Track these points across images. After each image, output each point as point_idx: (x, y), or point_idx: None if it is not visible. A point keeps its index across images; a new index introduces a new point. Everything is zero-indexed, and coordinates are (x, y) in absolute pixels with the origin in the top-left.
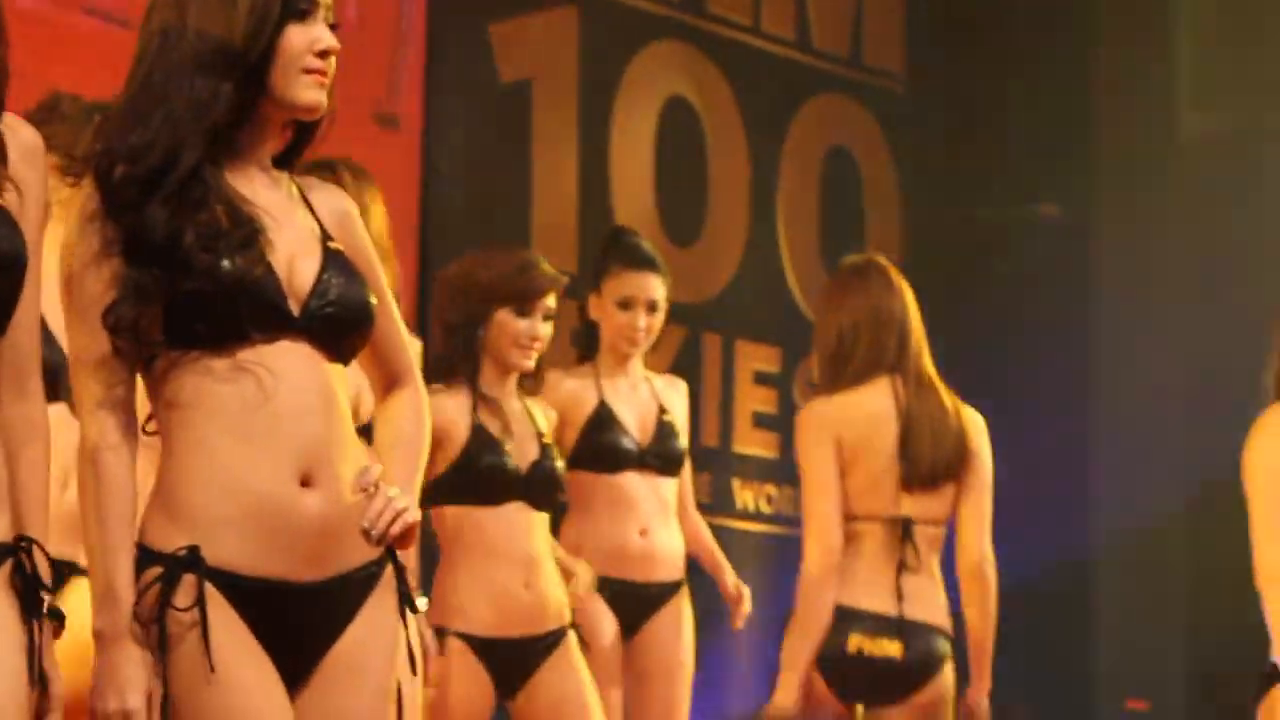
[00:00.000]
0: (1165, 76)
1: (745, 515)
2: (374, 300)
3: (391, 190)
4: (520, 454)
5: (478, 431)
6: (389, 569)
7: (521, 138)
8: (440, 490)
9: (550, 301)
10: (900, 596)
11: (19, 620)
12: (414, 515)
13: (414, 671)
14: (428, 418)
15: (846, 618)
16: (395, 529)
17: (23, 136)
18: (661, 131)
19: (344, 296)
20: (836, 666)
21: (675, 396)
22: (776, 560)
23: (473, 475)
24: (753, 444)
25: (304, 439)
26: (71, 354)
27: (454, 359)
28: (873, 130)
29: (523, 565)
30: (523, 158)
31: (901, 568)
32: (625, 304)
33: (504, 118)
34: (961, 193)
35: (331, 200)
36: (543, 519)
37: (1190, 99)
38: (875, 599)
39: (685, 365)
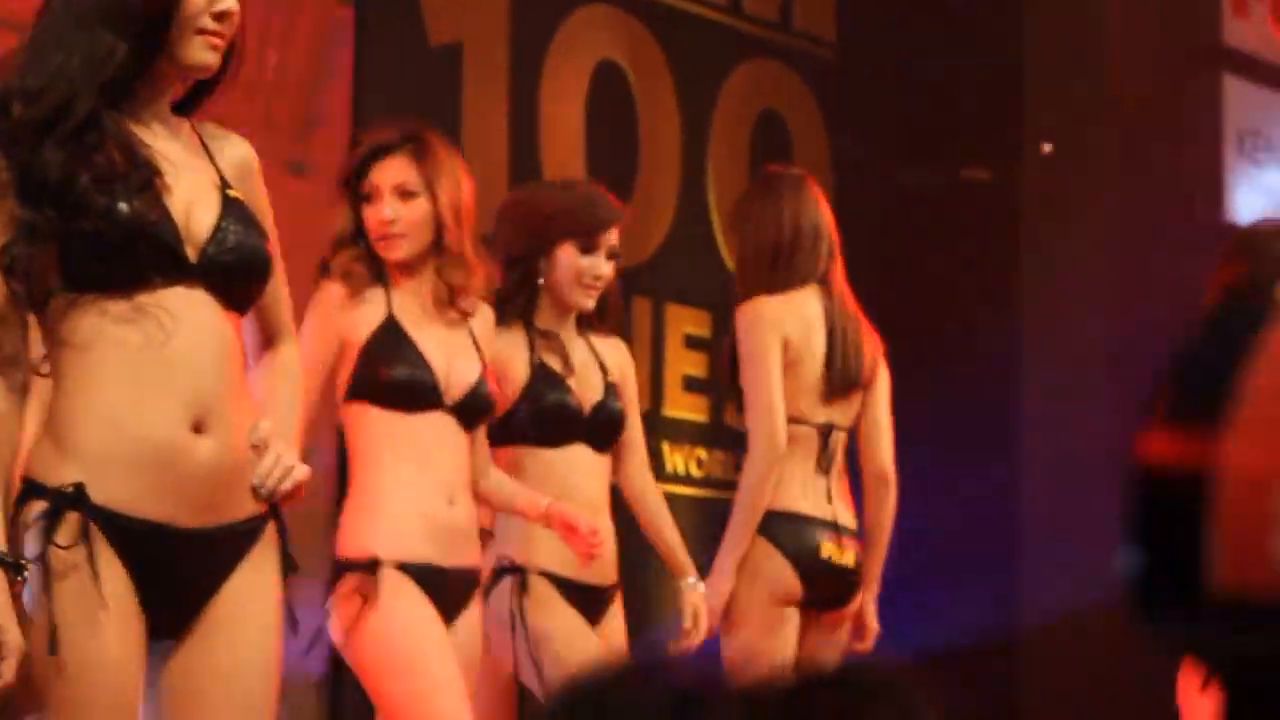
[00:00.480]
0: (1097, 40)
1: (676, 479)
2: (271, 250)
3: (321, 151)
4: (583, 394)
5: (539, 369)
6: (271, 526)
7: (452, 101)
8: (502, 430)
9: (614, 238)
10: (830, 502)
11: None
12: (302, 473)
13: (294, 632)
14: (301, 376)
15: (806, 523)
16: (285, 486)
17: None
18: (592, 96)
19: (242, 245)
20: (810, 571)
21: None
22: (707, 525)
23: (535, 414)
24: (683, 408)
25: (198, 385)
26: None
27: (510, 293)
28: (804, 95)
29: (588, 510)
30: (453, 121)
31: (827, 473)
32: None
33: (434, 81)
34: (892, 157)
35: (233, 150)
36: (604, 462)
37: (1122, 62)
38: (813, 504)
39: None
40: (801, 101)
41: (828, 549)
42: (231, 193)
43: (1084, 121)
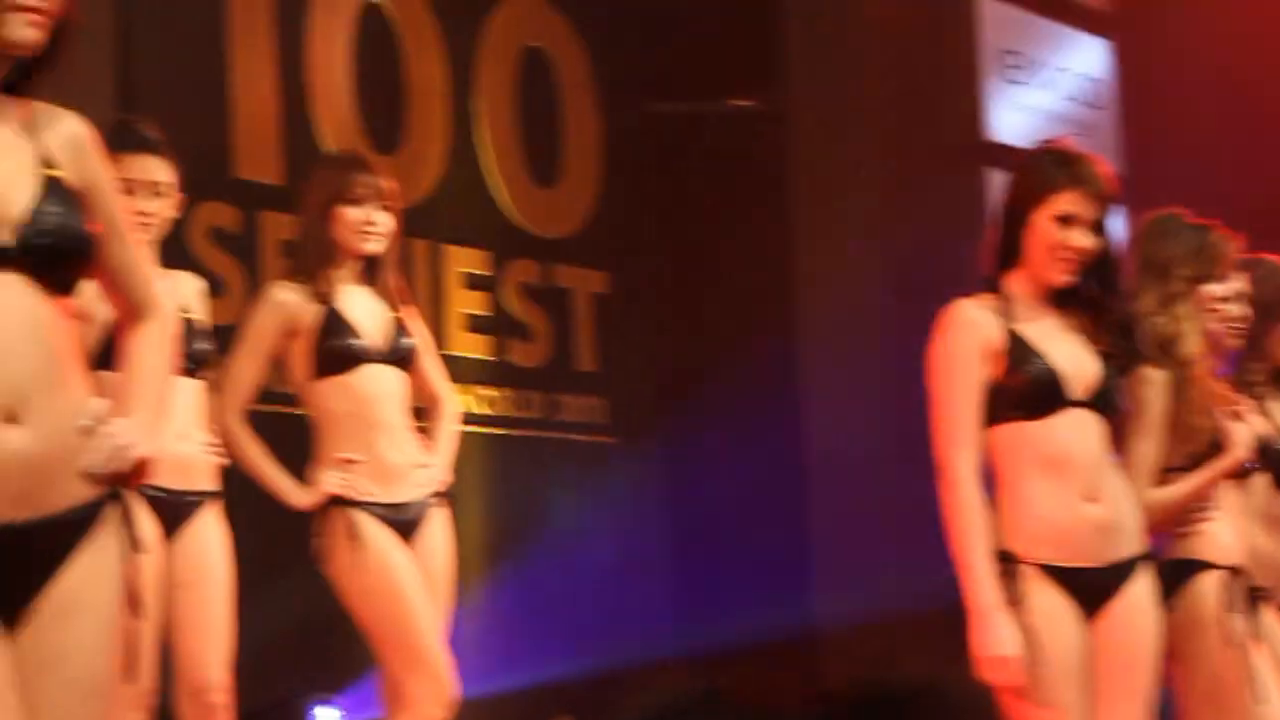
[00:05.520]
0: None
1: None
2: (92, 230)
3: (83, 102)
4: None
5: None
6: (111, 508)
7: (216, 46)
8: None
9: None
10: None
11: None
12: (141, 450)
13: (136, 614)
14: (167, 349)
15: None
16: (122, 467)
17: None
18: (358, 38)
19: (61, 226)
20: None
21: None
22: (495, 461)
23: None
24: (465, 346)
25: (10, 374)
26: None
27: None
28: (566, 29)
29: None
30: (219, 67)
31: None
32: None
33: (198, 24)
34: (656, 88)
35: (63, 126)
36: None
37: None
38: None
39: None
40: (564, 36)
41: None
42: (52, 172)
43: (845, 46)
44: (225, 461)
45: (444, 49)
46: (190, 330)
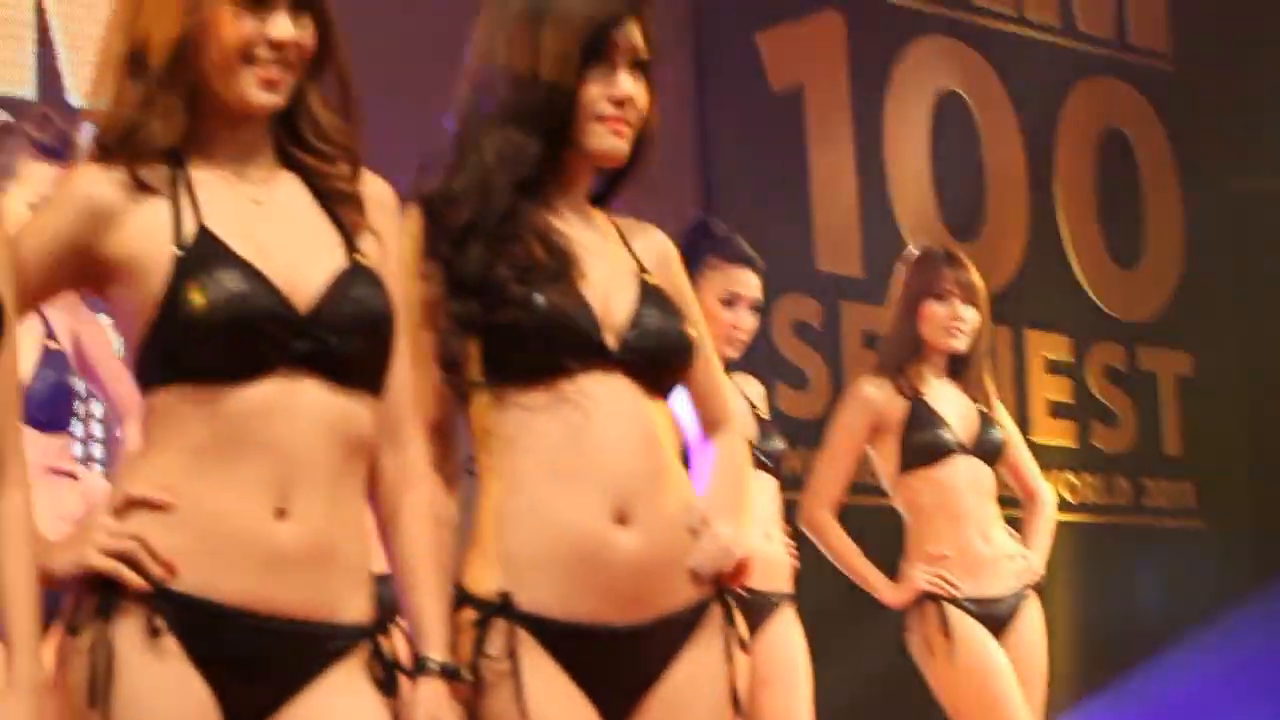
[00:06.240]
0: None
1: None
2: (693, 334)
3: (670, 204)
4: None
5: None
6: (717, 608)
7: (796, 145)
8: None
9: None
10: None
11: (379, 704)
12: (743, 551)
13: (738, 713)
14: (747, 456)
15: None
16: (725, 568)
17: (375, 189)
18: (935, 126)
19: (662, 330)
20: None
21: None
22: (1081, 549)
23: None
24: (1049, 432)
25: (620, 475)
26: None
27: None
28: (1145, 109)
29: None
30: (799, 163)
31: None
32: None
33: (777, 126)
34: (1237, 165)
35: (649, 238)
36: None
37: None
38: None
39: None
40: (1143, 116)
41: None
42: (649, 279)
43: None
44: (796, 564)
45: (1022, 132)
46: (762, 429)
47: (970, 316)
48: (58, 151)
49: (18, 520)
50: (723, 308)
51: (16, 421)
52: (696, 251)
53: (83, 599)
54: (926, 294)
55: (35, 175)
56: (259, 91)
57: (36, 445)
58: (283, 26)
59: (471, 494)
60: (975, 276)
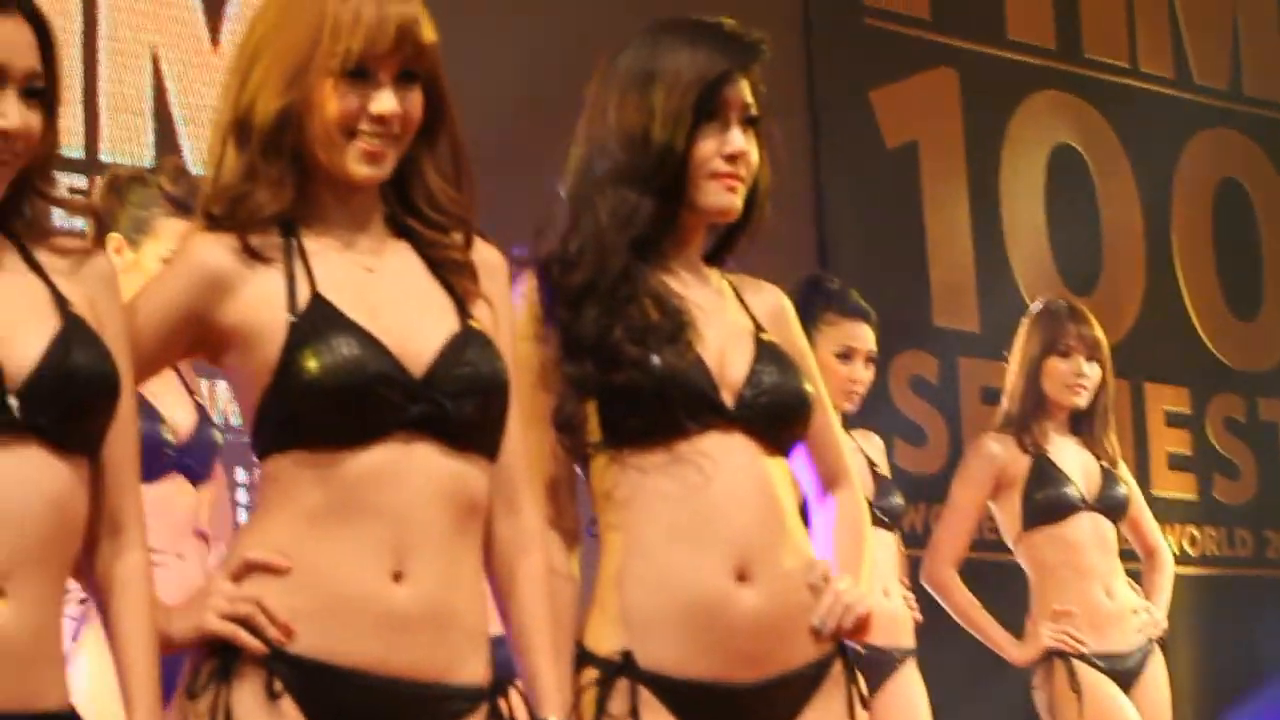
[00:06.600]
0: None
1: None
2: (810, 390)
3: (785, 261)
4: None
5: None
6: (838, 665)
7: (913, 200)
8: None
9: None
10: None
11: None
12: (865, 608)
13: None
14: (866, 512)
15: None
16: (847, 624)
17: (486, 255)
18: (1050, 180)
19: (779, 387)
20: None
21: None
22: (1204, 602)
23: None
24: (1170, 485)
25: (740, 532)
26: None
27: None
28: (1260, 160)
29: None
30: (915, 220)
31: None
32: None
33: (893, 182)
34: None
35: (764, 296)
36: None
37: None
38: None
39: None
40: (1259, 167)
41: None
42: (765, 336)
43: None
44: (919, 618)
45: (1137, 185)
46: (880, 485)
47: (1093, 373)
48: (191, 206)
49: (138, 584)
50: (839, 362)
51: (136, 483)
52: (811, 307)
53: (201, 663)
54: (1050, 350)
55: (169, 230)
56: (361, 165)
57: (189, 496)
58: (384, 101)
59: (594, 555)
60: (1098, 331)
